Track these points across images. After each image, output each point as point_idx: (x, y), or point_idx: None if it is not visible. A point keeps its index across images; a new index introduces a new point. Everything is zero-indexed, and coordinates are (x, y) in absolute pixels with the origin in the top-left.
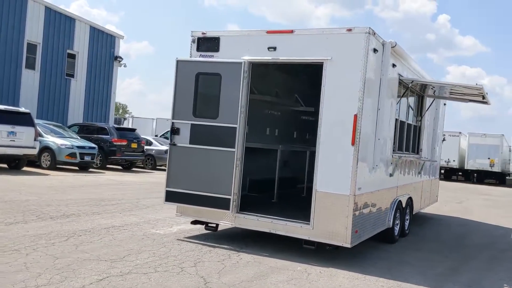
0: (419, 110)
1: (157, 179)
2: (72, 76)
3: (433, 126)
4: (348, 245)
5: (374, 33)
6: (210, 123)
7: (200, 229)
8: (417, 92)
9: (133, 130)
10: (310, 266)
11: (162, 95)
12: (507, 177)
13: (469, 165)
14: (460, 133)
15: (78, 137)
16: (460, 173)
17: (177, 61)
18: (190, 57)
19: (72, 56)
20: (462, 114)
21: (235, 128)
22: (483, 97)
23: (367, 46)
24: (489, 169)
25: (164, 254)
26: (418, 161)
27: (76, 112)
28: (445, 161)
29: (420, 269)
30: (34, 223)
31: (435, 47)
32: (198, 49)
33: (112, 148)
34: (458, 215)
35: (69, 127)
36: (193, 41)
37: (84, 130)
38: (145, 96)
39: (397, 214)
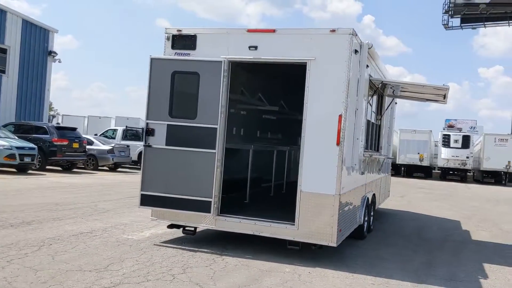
0: (379, 109)
1: (105, 180)
2: (4, 72)
3: (389, 124)
4: (334, 244)
5: (356, 34)
6: (188, 123)
7: (173, 233)
8: (379, 92)
9: (74, 129)
10: (297, 267)
11: (87, 91)
12: (433, 171)
13: (400, 160)
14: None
15: (16, 137)
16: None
17: (152, 59)
18: (164, 55)
19: (3, 51)
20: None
21: (216, 128)
22: (444, 97)
23: (351, 47)
24: (419, 163)
25: (148, 260)
26: (379, 158)
27: (8, 111)
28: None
29: (399, 265)
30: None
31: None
32: (173, 47)
33: (53, 148)
34: (406, 209)
35: (4, 126)
36: (168, 39)
37: (20, 130)
38: (71, 92)
39: (366, 211)
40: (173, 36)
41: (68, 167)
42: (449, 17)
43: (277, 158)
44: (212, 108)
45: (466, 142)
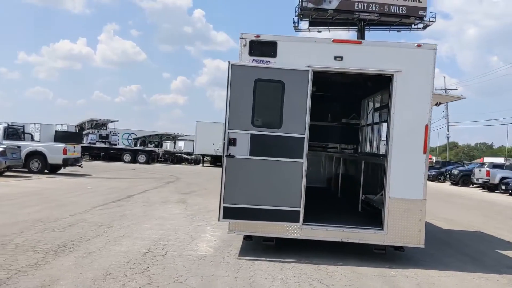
0: None
1: (24, 188)
2: None
3: None
4: (422, 246)
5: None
6: (274, 133)
7: (233, 244)
8: None
9: None
10: (395, 270)
11: None
12: None
13: None
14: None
15: None
16: None
17: (232, 65)
18: (240, 61)
19: None
20: (216, 105)
21: (303, 138)
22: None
23: (435, 61)
24: None
25: (250, 277)
26: None
27: None
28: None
29: (464, 258)
30: (55, 261)
31: (192, 40)
32: (250, 54)
33: None
34: None
35: None
36: (244, 45)
37: None
38: None
39: None
40: (251, 42)
41: None
42: (299, 20)
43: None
44: (299, 118)
45: None
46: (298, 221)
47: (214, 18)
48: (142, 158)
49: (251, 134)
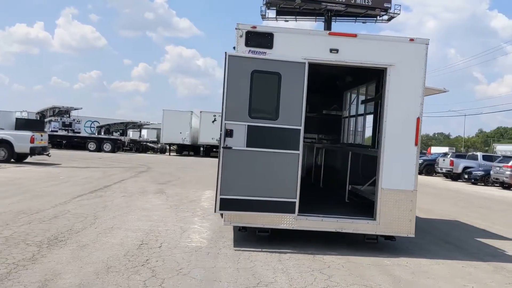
0: None
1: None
2: None
3: None
4: (413, 235)
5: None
6: (270, 124)
7: (222, 235)
8: None
9: None
10: (388, 259)
11: None
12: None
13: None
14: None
15: None
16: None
17: (228, 56)
18: (237, 52)
19: None
20: (179, 92)
21: (299, 130)
22: None
23: (426, 56)
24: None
25: (251, 268)
26: None
27: None
28: (216, 140)
29: (448, 246)
30: (51, 254)
31: (154, 26)
32: (247, 44)
33: None
34: None
35: None
36: (241, 35)
37: None
38: None
39: None
40: (247, 32)
41: None
42: (267, 8)
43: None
44: (295, 110)
45: None
46: (293, 212)
47: (177, 4)
48: (107, 146)
49: (247, 125)
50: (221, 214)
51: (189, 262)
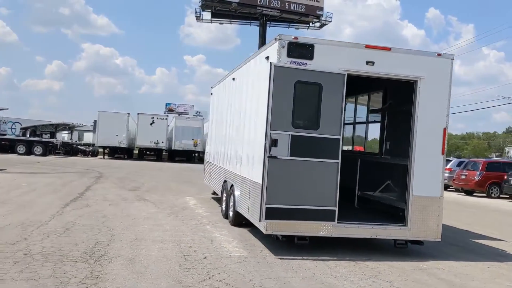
0: None
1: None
2: None
3: None
4: (439, 240)
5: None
6: (312, 134)
7: (255, 244)
8: None
9: None
10: (422, 263)
11: None
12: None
13: (176, 145)
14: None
15: None
16: (166, 153)
17: (274, 66)
18: (279, 62)
19: None
20: (96, 92)
21: (338, 139)
22: None
23: (452, 69)
24: (193, 148)
25: (295, 276)
26: None
27: None
28: (154, 143)
29: (462, 250)
30: (109, 271)
31: (69, 22)
32: (289, 55)
33: None
34: None
35: None
36: (282, 46)
37: None
38: None
39: None
40: (289, 43)
41: None
42: (202, 10)
43: None
44: (334, 119)
45: None
46: (333, 220)
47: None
48: (38, 150)
49: (291, 135)
50: (244, 223)
51: (250, 272)
